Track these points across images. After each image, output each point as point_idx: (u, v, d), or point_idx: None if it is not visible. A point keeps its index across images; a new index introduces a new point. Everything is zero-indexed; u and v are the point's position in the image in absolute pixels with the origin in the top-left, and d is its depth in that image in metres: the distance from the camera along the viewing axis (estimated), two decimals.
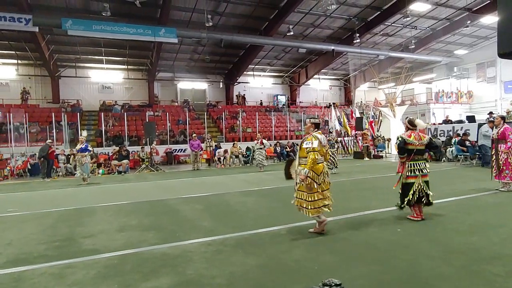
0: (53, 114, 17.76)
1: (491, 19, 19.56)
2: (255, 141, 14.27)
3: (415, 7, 18.19)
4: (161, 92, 25.27)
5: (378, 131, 19.73)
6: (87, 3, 16.11)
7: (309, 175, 4.29)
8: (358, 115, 20.02)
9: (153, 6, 16.46)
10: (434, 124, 18.90)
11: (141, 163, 16.21)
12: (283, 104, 28.06)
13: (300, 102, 29.15)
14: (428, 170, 5.15)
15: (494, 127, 7.50)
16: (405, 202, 5.06)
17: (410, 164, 5.08)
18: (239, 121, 22.51)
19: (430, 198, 5.06)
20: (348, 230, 4.70)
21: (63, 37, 17.90)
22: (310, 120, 4.65)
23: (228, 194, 8.13)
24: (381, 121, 20.06)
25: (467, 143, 12.99)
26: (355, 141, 20.39)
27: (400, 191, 5.18)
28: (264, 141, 14.01)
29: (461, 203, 6.20)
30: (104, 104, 22.65)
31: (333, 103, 27.50)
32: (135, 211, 6.54)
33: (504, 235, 4.19)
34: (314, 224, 4.66)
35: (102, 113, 19.74)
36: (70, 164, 14.91)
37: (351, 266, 3.41)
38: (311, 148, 4.34)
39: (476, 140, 12.45)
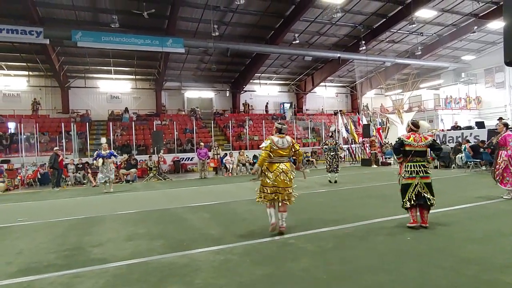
0: (62, 124, 18.03)
1: (498, 25, 19.46)
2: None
3: (420, 14, 18.19)
4: (168, 101, 25.52)
5: (385, 138, 19.60)
6: (96, 15, 16.47)
7: (255, 169, 5.04)
8: (365, 122, 19.94)
9: (160, 17, 16.75)
10: (442, 130, 18.72)
11: (148, 172, 16.31)
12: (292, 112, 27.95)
13: (306, 109, 29.14)
14: (429, 172, 5.03)
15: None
16: (404, 205, 4.99)
17: (408, 165, 5.02)
18: (246, 129, 22.57)
19: (429, 201, 4.89)
20: (357, 238, 4.65)
21: (73, 49, 18.28)
22: (275, 124, 5.26)
23: (235, 203, 8.12)
24: (388, 128, 19.95)
25: (481, 150, 12.68)
26: (362, 148, 20.26)
27: (401, 193, 5.13)
28: None
29: (472, 211, 6.10)
30: (113, 113, 22.94)
31: (340, 110, 27.44)
32: (143, 220, 6.56)
33: None
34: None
35: (111, 123, 19.98)
36: (79, 173, 15.08)
37: (360, 275, 3.37)
38: (262, 148, 5.00)
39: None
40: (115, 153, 12.35)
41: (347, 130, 21.02)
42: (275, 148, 4.94)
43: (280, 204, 5.00)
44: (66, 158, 15.48)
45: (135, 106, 24.19)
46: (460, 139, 15.17)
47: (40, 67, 20.28)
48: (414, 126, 5.19)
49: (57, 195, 11.51)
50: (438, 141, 16.16)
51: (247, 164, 17.17)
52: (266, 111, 27.64)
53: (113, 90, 23.89)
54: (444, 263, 3.57)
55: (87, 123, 19.36)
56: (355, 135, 20.27)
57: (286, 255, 4.08)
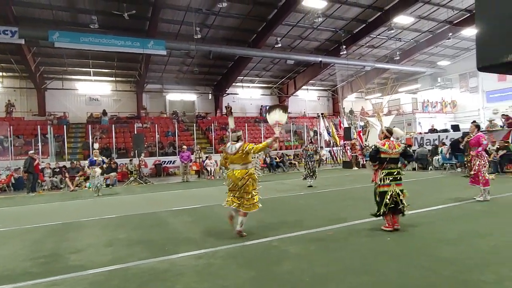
0: (38, 127, 17.43)
1: (471, 32, 20.23)
2: None
3: (398, 20, 18.70)
4: (149, 104, 25.13)
5: (366, 140, 19.98)
6: (74, 15, 16.06)
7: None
8: (346, 125, 20.27)
9: (141, 18, 16.51)
10: (420, 133, 19.25)
11: (129, 175, 15.98)
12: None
13: (289, 112, 29.30)
14: (402, 179, 5.14)
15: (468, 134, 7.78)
16: (380, 211, 5.02)
17: (383, 172, 5.06)
18: (229, 132, 22.49)
19: (403, 207, 5.01)
20: (339, 240, 4.70)
21: (50, 50, 17.73)
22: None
23: (218, 206, 8.00)
24: (368, 131, 20.35)
25: (461, 146, 12.79)
26: (343, 150, 20.58)
27: (376, 200, 5.16)
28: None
29: (448, 211, 6.29)
30: (92, 116, 22.38)
31: (322, 113, 27.79)
32: (123, 225, 6.42)
33: (492, 243, 4.25)
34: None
35: (90, 125, 19.49)
36: (56, 178, 14.61)
37: (342, 277, 3.41)
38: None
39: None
40: (105, 160, 12.38)
41: (328, 133, 21.31)
42: (226, 155, 5.30)
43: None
44: (42, 162, 14.97)
45: (115, 109, 23.68)
46: (437, 142, 15.64)
47: (15, 67, 19.56)
48: (388, 133, 5.27)
49: (32, 200, 11.10)
50: (415, 145, 16.70)
51: None
52: (245, 115, 27.66)
53: (92, 92, 23.30)
54: (423, 263, 3.67)
55: (65, 126, 18.80)
56: (337, 138, 20.56)
57: (269, 258, 4.08)
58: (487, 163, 7.15)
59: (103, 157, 12.38)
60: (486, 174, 6.98)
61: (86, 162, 11.70)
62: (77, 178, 14.52)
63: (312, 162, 11.12)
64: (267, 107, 5.16)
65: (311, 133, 14.87)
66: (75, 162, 15.77)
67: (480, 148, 6.99)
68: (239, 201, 5.10)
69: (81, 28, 15.99)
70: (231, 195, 5.20)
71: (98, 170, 11.42)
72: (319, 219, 6.10)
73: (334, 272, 3.55)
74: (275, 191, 10.45)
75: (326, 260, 3.93)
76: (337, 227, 5.42)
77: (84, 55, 19.11)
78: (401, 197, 4.99)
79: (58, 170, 15.04)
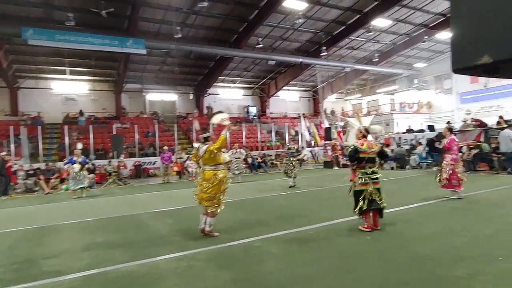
0: (11, 127, 16.73)
1: (446, 35, 20.96)
2: (234, 150, 14.18)
3: (377, 23, 19.13)
4: (129, 104, 24.61)
5: (346, 140, 20.31)
6: (49, 12, 15.51)
7: None
8: (327, 125, 20.54)
9: (120, 17, 16.14)
10: (398, 133, 19.75)
11: (108, 177, 15.60)
12: (254, 115, 28.24)
13: (270, 113, 29.47)
14: (379, 178, 5.19)
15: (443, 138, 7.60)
16: (357, 210, 5.06)
17: (361, 172, 5.11)
18: (210, 132, 22.33)
19: (381, 206, 5.08)
20: (321, 239, 4.76)
21: (23, 47, 17.05)
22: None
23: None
24: (348, 131, 20.70)
25: (437, 144, 13.12)
26: (324, 150, 20.84)
27: (354, 199, 5.20)
28: (242, 150, 14.17)
29: (425, 209, 6.48)
30: (68, 116, 21.69)
31: (303, 114, 28.06)
32: (101, 228, 6.26)
33: (465, 239, 4.41)
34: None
35: (66, 126, 18.89)
36: (30, 180, 14.08)
37: (324, 276, 3.44)
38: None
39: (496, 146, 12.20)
40: (87, 160, 12.04)
41: (309, 133, 21.54)
42: (199, 156, 5.37)
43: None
44: (15, 164, 14.39)
45: (93, 109, 23.05)
46: (413, 142, 16.10)
47: None
48: (366, 132, 5.31)
49: (4, 204, 10.64)
50: (393, 144, 17.13)
51: None
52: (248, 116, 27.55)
53: (68, 91, 22.54)
54: (401, 260, 3.76)
55: (39, 127, 18.14)
56: (318, 138, 20.81)
57: (251, 259, 4.08)
58: (462, 167, 7.16)
59: (84, 156, 11.98)
60: (461, 176, 7.02)
61: (61, 163, 11.34)
62: (52, 180, 14.05)
63: (294, 162, 11.04)
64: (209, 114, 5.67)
65: (292, 132, 14.96)
66: (50, 163, 15.24)
67: (454, 156, 7.05)
68: (206, 201, 5.20)
69: (56, 26, 15.46)
70: (200, 193, 5.29)
71: (76, 166, 11.08)
72: (300, 219, 6.15)
73: (315, 272, 3.58)
74: (256, 191, 10.47)
75: (307, 259, 3.96)
76: (318, 226, 5.48)
77: (60, 53, 18.49)
78: (378, 195, 5.05)
79: (32, 172, 14.49)
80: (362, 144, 5.13)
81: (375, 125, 5.71)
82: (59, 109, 22.00)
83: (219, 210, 5.22)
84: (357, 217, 5.17)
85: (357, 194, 5.10)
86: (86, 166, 11.64)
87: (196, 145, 5.52)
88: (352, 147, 5.23)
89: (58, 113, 21.72)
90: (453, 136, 7.35)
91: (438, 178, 7.28)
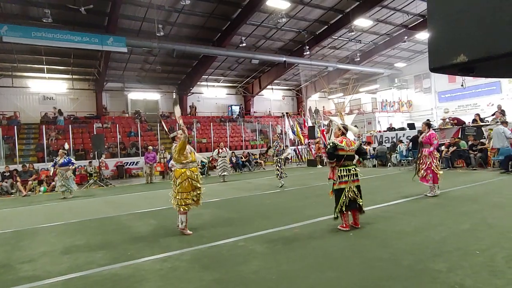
0: None
1: (424, 35, 21.51)
2: (218, 149, 14.06)
3: (358, 23, 19.43)
4: (110, 103, 24.10)
5: (329, 139, 20.53)
6: (25, 8, 15.00)
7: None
8: (310, 124, 20.72)
9: (100, 14, 15.79)
10: (379, 131, 20.13)
11: (88, 178, 15.24)
12: (238, 114, 28.21)
13: (254, 112, 29.50)
14: (359, 175, 5.18)
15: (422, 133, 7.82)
16: (338, 210, 4.99)
17: (341, 169, 5.08)
18: (194, 132, 22.18)
19: (361, 204, 5.07)
20: (304, 238, 4.79)
21: None
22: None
23: None
24: (331, 129, 20.93)
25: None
26: (308, 149, 21.02)
27: (334, 198, 5.12)
28: (226, 149, 14.15)
29: (405, 205, 6.63)
30: (46, 116, 21.05)
31: (287, 113, 28.20)
32: (82, 230, 6.11)
33: (443, 233, 4.54)
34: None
35: (44, 126, 18.33)
36: (6, 182, 13.59)
37: (308, 274, 3.47)
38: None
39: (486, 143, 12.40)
40: (73, 160, 11.73)
41: (293, 132, 21.68)
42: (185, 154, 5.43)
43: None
44: None
45: (72, 108, 22.46)
46: (395, 140, 16.45)
47: None
48: (345, 130, 5.29)
49: None
50: (375, 143, 17.44)
51: None
52: (211, 114, 27.42)
53: (46, 90, 21.90)
54: (383, 255, 3.83)
55: (16, 127, 17.53)
56: (301, 137, 20.96)
57: (235, 258, 4.07)
58: (438, 162, 7.32)
59: (71, 157, 11.77)
60: (437, 171, 7.19)
61: (59, 161, 11.11)
62: (30, 182, 13.62)
63: (283, 160, 10.80)
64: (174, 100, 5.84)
65: (278, 129, 14.95)
66: (27, 165, 14.76)
67: (431, 148, 7.27)
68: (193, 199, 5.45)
69: (33, 22, 14.98)
70: (188, 196, 5.42)
71: (70, 171, 11.24)
72: (284, 217, 6.18)
73: (300, 269, 3.60)
74: (241, 190, 10.45)
75: (292, 257, 3.98)
76: (302, 224, 5.52)
77: (36, 51, 17.93)
78: (357, 194, 5.04)
79: (8, 174, 13.99)
80: (341, 142, 5.10)
81: (352, 126, 5.77)
82: (37, 108, 21.35)
83: (180, 209, 5.32)
84: (333, 217, 5.08)
85: (337, 193, 5.05)
86: (72, 167, 11.37)
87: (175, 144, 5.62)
88: (331, 144, 5.18)
89: (36, 113, 21.07)
90: (432, 131, 7.53)
91: (417, 171, 7.50)
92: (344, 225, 4.99)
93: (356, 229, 5.00)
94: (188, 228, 5.38)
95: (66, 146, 12.23)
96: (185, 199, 5.30)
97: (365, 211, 5.27)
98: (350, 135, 5.44)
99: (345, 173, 5.04)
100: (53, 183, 13.72)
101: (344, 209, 4.95)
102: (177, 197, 5.33)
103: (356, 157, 5.29)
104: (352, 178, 5.05)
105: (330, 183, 5.30)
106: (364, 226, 5.12)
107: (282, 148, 11.02)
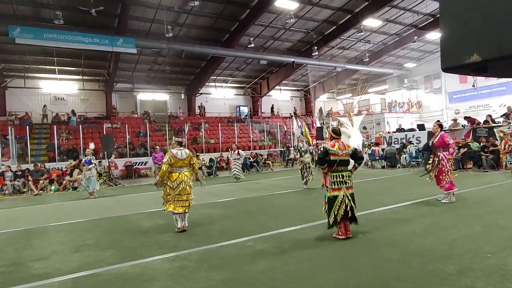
0: None
1: (435, 35, 21.23)
2: (230, 152, 14.11)
3: (367, 23, 19.27)
4: (119, 104, 24.37)
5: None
6: (37, 10, 15.27)
7: (156, 180, 5.89)
8: (318, 125, 20.62)
9: (110, 15, 15.98)
10: (388, 132, 19.94)
11: (98, 178, 15.40)
12: (246, 115, 28.23)
13: (262, 112, 29.49)
14: (352, 182, 4.78)
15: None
16: (332, 219, 4.58)
17: (333, 175, 4.66)
18: (202, 132, 22.28)
19: (355, 212, 4.68)
20: (312, 238, 4.77)
21: (11, 46, 16.74)
22: (174, 139, 6.14)
23: (192, 207, 7.94)
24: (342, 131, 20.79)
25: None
26: (316, 150, 20.90)
27: (326, 207, 4.72)
28: (241, 151, 14.06)
29: (416, 207, 6.55)
30: (57, 116, 21.36)
31: (295, 113, 28.11)
32: (92, 229, 6.18)
33: (454, 236, 4.47)
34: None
35: (55, 126, 18.61)
36: (18, 181, 13.83)
37: (316, 274, 3.45)
38: (164, 162, 5.68)
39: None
40: (92, 161, 11.38)
41: (301, 133, 21.57)
42: (176, 160, 5.64)
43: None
44: (2, 165, 14.14)
45: (82, 108, 22.76)
46: (404, 141, 16.27)
47: None
48: (334, 133, 4.88)
49: None
50: (384, 144, 17.28)
51: (203, 167, 16.93)
52: (219, 115, 27.48)
53: (57, 91, 22.26)
54: (393, 256, 3.80)
55: (28, 127, 17.84)
56: (309, 138, 20.84)
57: (243, 258, 4.07)
58: (451, 166, 6.91)
59: (90, 156, 11.67)
60: (451, 176, 6.75)
61: (83, 160, 11.53)
62: (41, 181, 13.83)
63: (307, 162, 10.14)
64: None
65: (298, 132, 14.66)
66: (39, 164, 15.00)
67: (451, 150, 6.76)
68: (186, 201, 5.79)
69: (44, 24, 15.22)
70: (179, 198, 5.73)
71: (94, 171, 11.44)
72: (293, 217, 6.17)
73: (308, 269, 3.59)
74: (250, 191, 10.46)
75: (300, 258, 3.97)
76: (311, 225, 5.49)
77: (48, 52, 18.22)
78: (352, 203, 4.65)
79: (20, 173, 14.24)
80: (333, 146, 4.68)
81: (345, 129, 5.51)
82: (48, 108, 21.67)
83: (166, 208, 5.68)
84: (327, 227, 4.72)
85: (331, 202, 4.64)
86: (89, 166, 11.11)
87: (174, 151, 5.74)
88: (322, 148, 4.75)
89: (47, 113, 21.40)
90: (443, 132, 7.06)
91: (432, 175, 7.03)
92: (340, 233, 4.65)
93: (366, 229, 4.95)
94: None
95: (92, 145, 12.24)
96: (182, 201, 5.64)
97: (375, 212, 5.22)
98: (353, 138, 5.23)
99: (338, 179, 4.64)
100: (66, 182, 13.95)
101: (339, 219, 4.58)
102: (175, 199, 5.61)
103: (352, 162, 4.86)
104: (345, 185, 4.64)
105: (324, 190, 4.95)
106: (373, 227, 5.08)
107: (302, 150, 10.63)
